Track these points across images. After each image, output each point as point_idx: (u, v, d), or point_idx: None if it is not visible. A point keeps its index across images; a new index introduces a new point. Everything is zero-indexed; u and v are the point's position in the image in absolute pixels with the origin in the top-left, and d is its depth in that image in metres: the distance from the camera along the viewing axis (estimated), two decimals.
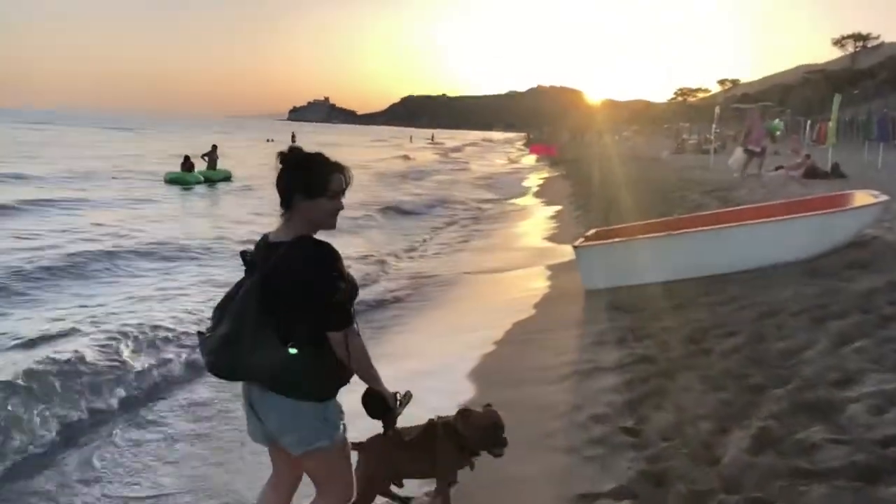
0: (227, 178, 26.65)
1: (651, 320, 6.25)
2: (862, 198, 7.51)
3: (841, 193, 8.16)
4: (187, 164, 25.67)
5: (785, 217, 7.20)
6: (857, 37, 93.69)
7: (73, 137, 60.15)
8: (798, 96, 73.95)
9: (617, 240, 8.02)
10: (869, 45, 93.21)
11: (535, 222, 16.75)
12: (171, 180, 24.77)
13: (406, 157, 50.65)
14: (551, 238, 13.54)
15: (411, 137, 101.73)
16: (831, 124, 21.42)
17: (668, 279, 7.53)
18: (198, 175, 25.45)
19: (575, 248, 7.98)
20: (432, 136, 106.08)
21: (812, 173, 18.55)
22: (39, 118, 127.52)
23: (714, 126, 26.39)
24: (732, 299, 6.40)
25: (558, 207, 18.66)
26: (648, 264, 7.67)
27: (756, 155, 17.51)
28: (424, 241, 15.14)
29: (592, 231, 8.99)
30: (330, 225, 2.64)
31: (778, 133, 22.88)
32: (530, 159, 55.11)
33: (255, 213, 17.66)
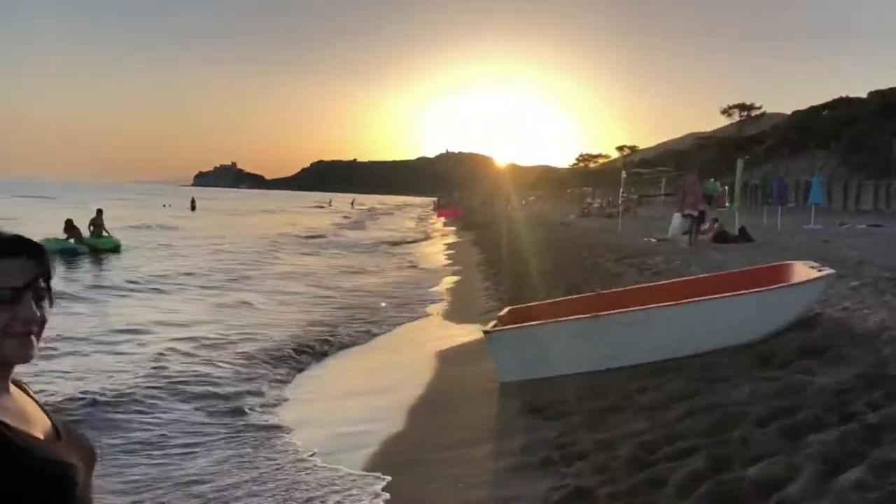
0: (115, 247, 23.70)
1: (582, 430, 5.02)
2: (803, 270, 6.70)
3: (780, 265, 7.36)
4: (72, 228, 22.70)
5: (730, 294, 6.24)
6: (742, 106, 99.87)
7: None
8: (693, 161, 77.38)
9: (536, 322, 6.85)
10: (753, 114, 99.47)
11: (437, 296, 15.38)
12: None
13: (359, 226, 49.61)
14: (454, 316, 12.19)
15: (330, 201, 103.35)
16: (736, 188, 21.51)
17: (596, 368, 6.40)
18: (72, 243, 22.31)
19: (486, 333, 6.75)
20: (353, 201, 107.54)
21: (722, 237, 18.33)
22: None
23: (621, 190, 26.36)
24: (675, 398, 5.28)
25: (461, 278, 17.48)
26: (573, 351, 6.53)
27: (694, 220, 16.15)
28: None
29: (506, 310, 7.81)
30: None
31: (716, 194, 21.36)
32: (440, 224, 54.65)
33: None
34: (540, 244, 21.12)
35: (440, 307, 13.32)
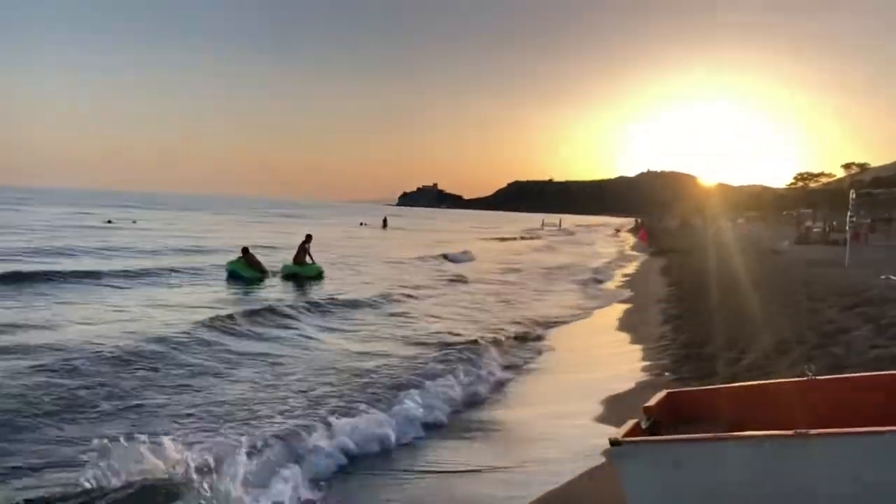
0: (318, 275, 22.19)
1: None
2: None
3: None
4: (246, 254, 22.13)
5: None
6: None
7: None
8: None
9: (697, 436, 4.26)
10: None
11: (598, 351, 12.08)
12: (231, 272, 21.30)
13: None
14: (610, 387, 9.18)
15: (543, 222, 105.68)
16: None
17: None
18: (253, 271, 21.63)
19: (614, 444, 4.30)
20: (559, 222, 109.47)
21: None
22: (179, 203, 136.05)
23: (849, 213, 21.69)
24: None
25: (633, 319, 14.44)
26: (763, 489, 3.91)
27: None
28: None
29: (661, 395, 5.21)
30: None
31: None
32: (629, 247, 50.85)
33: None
34: (743, 278, 17.59)
35: (594, 375, 10.62)
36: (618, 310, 16.46)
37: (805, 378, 5.13)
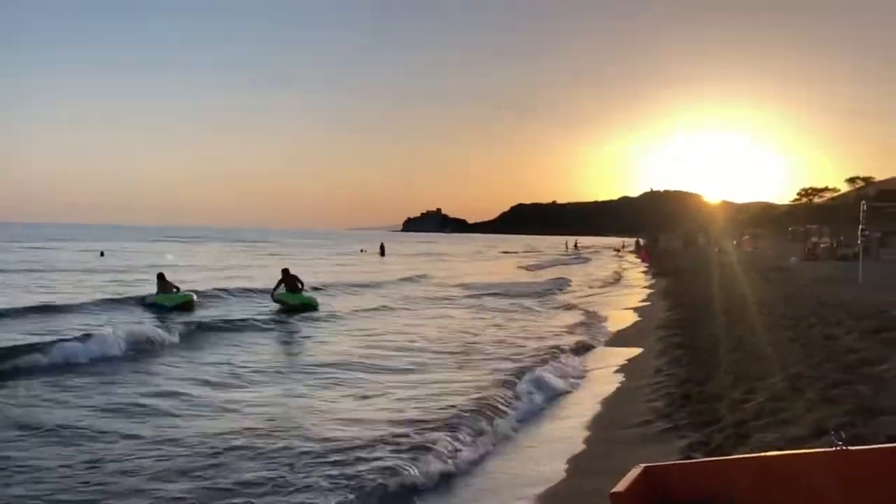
0: (307, 304, 20.67)
1: None
2: None
3: None
4: (163, 281, 21.20)
5: None
6: None
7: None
8: None
9: None
10: None
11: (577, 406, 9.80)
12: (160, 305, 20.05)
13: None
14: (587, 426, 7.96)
15: (567, 243, 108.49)
16: None
17: None
18: (182, 297, 20.61)
19: None
20: (576, 243, 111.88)
21: None
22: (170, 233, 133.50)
23: (861, 227, 20.35)
24: None
25: (635, 354, 12.90)
26: None
27: None
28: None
29: (636, 473, 3.82)
30: None
31: None
32: (632, 269, 49.43)
33: None
34: (749, 300, 16.20)
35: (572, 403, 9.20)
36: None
37: (834, 448, 3.75)
